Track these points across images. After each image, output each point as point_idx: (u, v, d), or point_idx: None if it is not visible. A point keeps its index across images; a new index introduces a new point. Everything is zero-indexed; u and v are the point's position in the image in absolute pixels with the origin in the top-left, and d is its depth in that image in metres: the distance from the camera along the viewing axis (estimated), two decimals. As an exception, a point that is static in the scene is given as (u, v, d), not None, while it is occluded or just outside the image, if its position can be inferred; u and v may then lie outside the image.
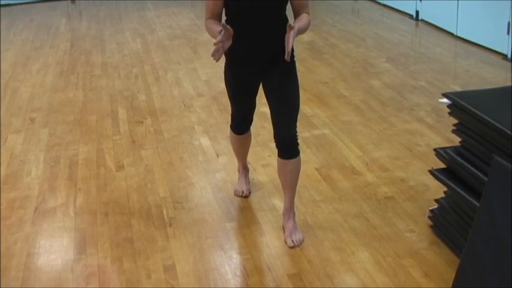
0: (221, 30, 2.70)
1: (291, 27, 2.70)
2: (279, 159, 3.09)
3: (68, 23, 8.50)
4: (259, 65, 3.01)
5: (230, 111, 3.34)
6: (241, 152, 3.54)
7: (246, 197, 3.56)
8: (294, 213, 3.18)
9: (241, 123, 3.34)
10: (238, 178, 3.65)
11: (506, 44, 5.95)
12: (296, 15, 2.96)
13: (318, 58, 6.23)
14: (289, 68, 2.98)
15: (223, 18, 3.01)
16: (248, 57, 3.00)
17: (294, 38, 2.69)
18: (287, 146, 3.05)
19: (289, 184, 3.13)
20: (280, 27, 2.90)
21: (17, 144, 4.45)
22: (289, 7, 2.98)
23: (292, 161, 3.06)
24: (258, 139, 4.22)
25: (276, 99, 3.02)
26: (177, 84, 5.61)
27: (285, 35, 2.72)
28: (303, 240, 3.10)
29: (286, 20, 2.96)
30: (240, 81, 3.12)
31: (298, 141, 3.08)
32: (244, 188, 3.59)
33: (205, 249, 3.10)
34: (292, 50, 2.81)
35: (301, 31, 2.84)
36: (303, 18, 2.91)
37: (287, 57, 2.69)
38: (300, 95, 3.07)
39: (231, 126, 3.38)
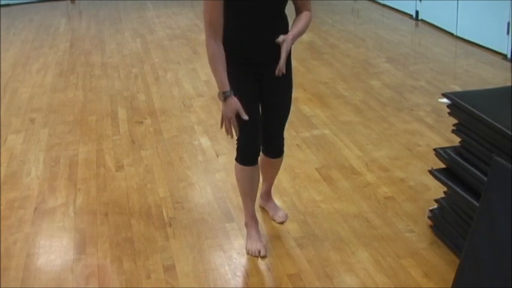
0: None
1: (283, 40, 2.69)
2: (265, 157, 3.17)
3: (67, 23, 8.49)
4: (258, 65, 2.99)
5: None
6: (250, 192, 3.07)
7: (264, 256, 2.99)
8: (271, 194, 3.40)
9: (248, 146, 2.95)
10: (248, 234, 3.10)
11: (506, 44, 5.95)
12: (298, 12, 2.92)
13: (318, 58, 6.23)
14: (286, 73, 2.91)
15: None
16: (248, 57, 2.98)
17: (287, 52, 2.70)
18: (275, 151, 3.16)
19: (272, 175, 3.32)
20: (280, 27, 2.89)
21: (17, 144, 4.45)
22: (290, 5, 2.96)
23: (279, 159, 3.20)
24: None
25: (269, 106, 3.02)
26: (176, 84, 5.60)
27: (285, 35, 2.72)
28: (287, 216, 3.32)
29: (286, 20, 2.95)
30: (240, 82, 3.08)
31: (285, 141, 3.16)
32: (260, 246, 3.02)
33: (205, 250, 3.10)
34: (290, 52, 2.79)
35: (300, 34, 2.83)
36: (301, 19, 2.86)
37: (278, 72, 2.70)
38: (292, 98, 3.07)
39: (236, 158, 3.01)
